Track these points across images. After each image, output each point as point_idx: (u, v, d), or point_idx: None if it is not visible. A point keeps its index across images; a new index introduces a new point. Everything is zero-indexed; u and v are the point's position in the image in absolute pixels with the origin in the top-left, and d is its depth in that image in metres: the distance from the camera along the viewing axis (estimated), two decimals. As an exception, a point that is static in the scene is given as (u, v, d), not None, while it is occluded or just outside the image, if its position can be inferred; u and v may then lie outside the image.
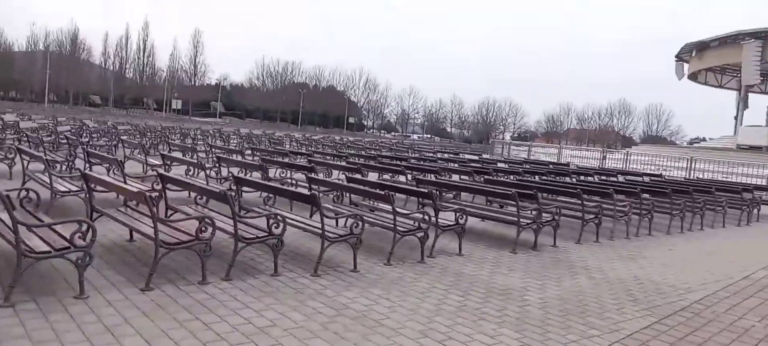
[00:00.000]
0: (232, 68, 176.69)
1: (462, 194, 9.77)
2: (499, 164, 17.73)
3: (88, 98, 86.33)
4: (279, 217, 5.26)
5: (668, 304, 5.58)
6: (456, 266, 6.35)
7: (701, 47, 42.52)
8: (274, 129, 57.36)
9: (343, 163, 11.60)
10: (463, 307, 4.88)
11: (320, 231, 5.44)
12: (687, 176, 22.69)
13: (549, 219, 7.98)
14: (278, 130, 54.70)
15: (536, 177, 13.14)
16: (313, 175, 8.42)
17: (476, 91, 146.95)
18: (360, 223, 5.64)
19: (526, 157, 29.18)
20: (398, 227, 6.16)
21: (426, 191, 6.63)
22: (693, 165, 24.33)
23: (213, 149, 14.31)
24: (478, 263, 6.60)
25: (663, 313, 5.24)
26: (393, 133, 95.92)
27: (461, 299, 5.09)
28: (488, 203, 9.65)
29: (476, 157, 21.18)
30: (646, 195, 10.68)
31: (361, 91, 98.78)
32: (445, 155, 21.49)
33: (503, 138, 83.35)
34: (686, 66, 46.43)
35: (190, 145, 14.02)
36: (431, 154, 21.81)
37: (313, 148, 21.81)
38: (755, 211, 13.47)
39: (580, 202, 8.62)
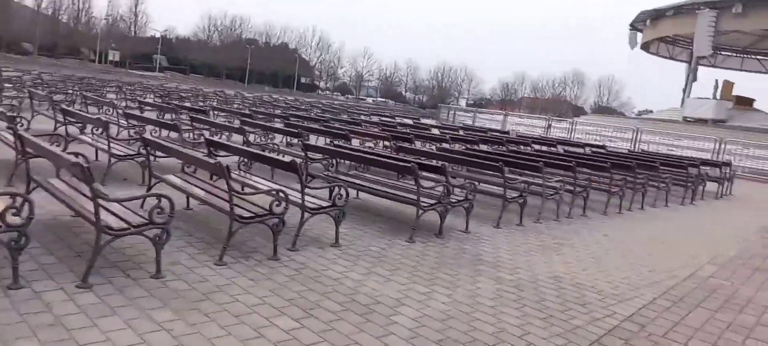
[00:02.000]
0: (180, 21, 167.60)
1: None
2: (434, 130, 16.19)
3: (20, 45, 79.70)
4: (19, 196, 3.47)
5: (591, 323, 4.13)
6: (320, 265, 4.72)
7: (656, 16, 41.70)
8: (219, 86, 54.16)
9: (225, 123, 9.74)
10: (287, 341, 3.26)
11: (93, 220, 3.68)
12: (631, 148, 21.82)
13: (461, 199, 6.45)
14: (222, 86, 51.63)
15: (457, 146, 11.61)
16: (174, 134, 6.56)
17: (432, 56, 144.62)
18: (163, 207, 3.89)
19: (471, 123, 27.85)
20: (237, 212, 4.46)
21: (288, 161, 4.91)
22: (638, 137, 23.49)
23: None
24: (354, 259, 5.00)
25: (581, 341, 3.78)
26: (347, 96, 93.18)
27: (295, 326, 3.47)
28: (399, 178, 8.05)
29: (410, 122, 19.61)
30: (583, 169, 9.33)
31: (313, 50, 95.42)
32: (375, 118, 19.75)
33: (457, 104, 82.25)
34: (639, 35, 45.76)
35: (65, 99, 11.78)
36: (365, 117, 20.11)
37: (234, 106, 19.68)
38: (700, 188, 12.44)
39: (501, 177, 7.11)
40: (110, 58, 78.35)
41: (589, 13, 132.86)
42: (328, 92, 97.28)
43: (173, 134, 8.02)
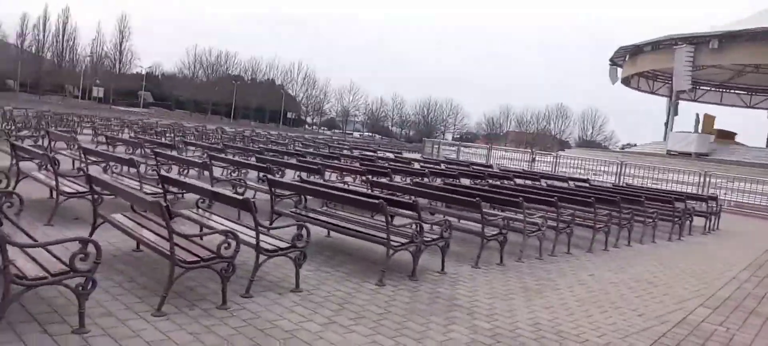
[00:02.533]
0: (166, 58, 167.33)
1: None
2: (415, 165, 15.83)
3: (3, 82, 78.93)
4: None
5: (575, 380, 3.67)
6: (275, 314, 4.23)
7: (635, 51, 42.30)
8: (203, 121, 53.80)
9: (191, 158, 9.29)
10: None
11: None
12: (616, 182, 21.61)
13: (436, 237, 6.01)
14: (205, 122, 51.27)
15: (439, 180, 11.23)
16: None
17: (418, 91, 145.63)
18: (88, 252, 3.41)
19: (455, 157, 27.60)
20: (179, 255, 3.98)
21: (242, 198, 4.46)
22: (623, 170, 23.33)
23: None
24: (315, 307, 4.52)
25: (563, 403, 3.32)
26: (333, 131, 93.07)
27: (231, 390, 2.98)
28: (373, 215, 7.61)
29: (391, 156, 19.27)
30: (566, 204, 8.95)
31: (299, 85, 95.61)
32: (356, 152, 19.37)
33: (443, 138, 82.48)
34: (619, 70, 46.32)
35: None
36: (347, 151, 19.74)
37: (211, 141, 19.24)
38: (687, 223, 12.11)
39: (479, 214, 6.70)
40: (94, 94, 77.81)
41: (571, 45, 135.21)
42: (315, 127, 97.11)
43: (132, 170, 7.55)
